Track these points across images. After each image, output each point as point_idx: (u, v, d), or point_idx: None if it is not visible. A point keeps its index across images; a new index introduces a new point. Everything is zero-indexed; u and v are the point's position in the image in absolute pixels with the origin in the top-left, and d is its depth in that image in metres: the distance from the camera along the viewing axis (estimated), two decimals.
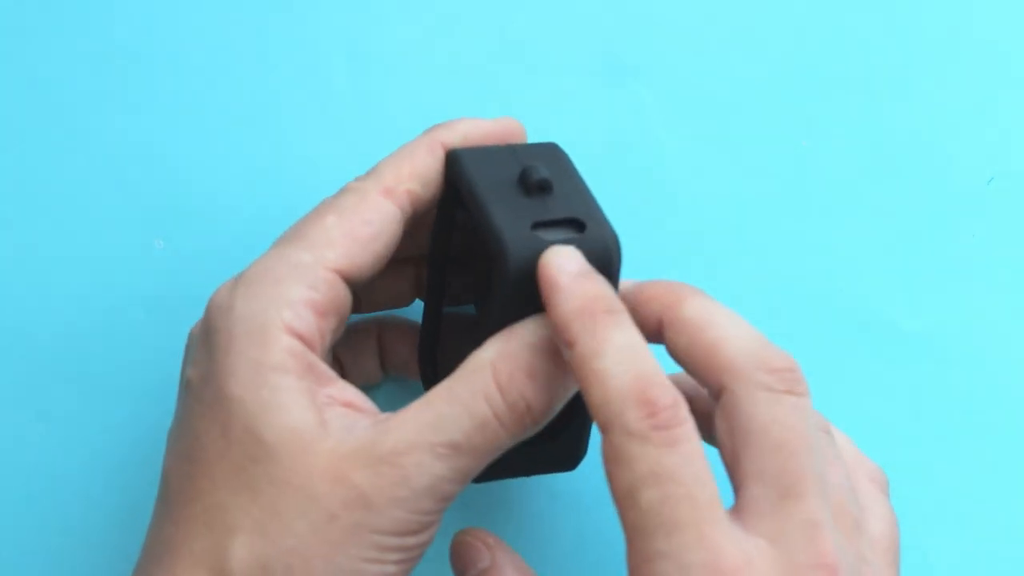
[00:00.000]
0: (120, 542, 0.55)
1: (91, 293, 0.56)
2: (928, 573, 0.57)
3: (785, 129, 0.61)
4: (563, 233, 0.44)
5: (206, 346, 0.45)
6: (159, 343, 0.56)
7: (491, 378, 0.43)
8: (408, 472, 0.42)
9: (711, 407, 0.44)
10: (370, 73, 0.60)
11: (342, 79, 0.59)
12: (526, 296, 0.44)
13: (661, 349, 0.45)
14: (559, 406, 0.44)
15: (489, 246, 0.44)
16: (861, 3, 0.62)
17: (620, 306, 0.43)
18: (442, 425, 0.42)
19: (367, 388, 0.56)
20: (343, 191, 0.48)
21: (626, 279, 0.46)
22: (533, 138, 0.51)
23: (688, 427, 0.41)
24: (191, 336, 0.48)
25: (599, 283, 0.43)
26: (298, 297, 0.44)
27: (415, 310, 0.56)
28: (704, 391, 0.45)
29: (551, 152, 0.48)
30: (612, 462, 0.41)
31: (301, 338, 0.44)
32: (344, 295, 0.46)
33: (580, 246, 0.44)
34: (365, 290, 0.48)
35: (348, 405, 0.44)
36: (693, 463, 0.40)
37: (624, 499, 0.41)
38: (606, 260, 0.44)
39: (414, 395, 0.53)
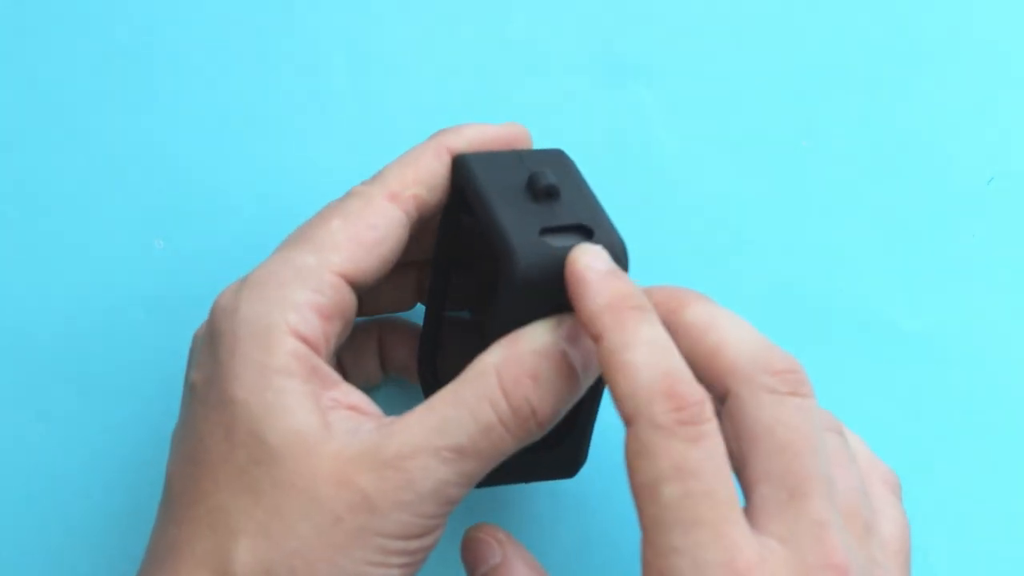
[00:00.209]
0: (121, 542, 0.55)
1: (91, 293, 0.56)
2: (928, 573, 0.57)
3: (785, 129, 0.61)
4: (571, 239, 0.44)
5: (210, 349, 0.45)
6: (159, 343, 0.56)
7: (496, 382, 0.43)
8: (413, 476, 0.42)
9: (717, 410, 0.44)
10: (370, 73, 0.60)
11: (342, 79, 0.59)
12: (532, 301, 0.44)
13: None
14: (564, 411, 0.44)
15: (496, 251, 0.44)
16: (861, 3, 0.62)
17: (648, 303, 0.43)
18: (447, 429, 0.42)
19: (367, 389, 0.56)
20: (349, 195, 0.48)
21: None
22: (534, 139, 0.51)
23: (713, 425, 0.41)
24: (195, 338, 0.48)
25: (627, 281, 0.43)
26: (303, 300, 0.44)
27: (416, 312, 0.56)
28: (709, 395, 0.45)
29: (557, 158, 0.48)
30: (635, 455, 0.41)
31: (306, 341, 0.44)
32: (349, 299, 0.46)
33: None
34: (369, 294, 0.48)
35: (352, 408, 0.44)
36: (716, 460, 0.40)
37: (645, 492, 0.41)
38: None
39: (414, 397, 0.54)
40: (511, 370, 0.43)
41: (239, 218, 0.57)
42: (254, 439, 0.43)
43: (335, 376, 0.45)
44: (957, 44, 0.63)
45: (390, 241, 0.47)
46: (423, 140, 0.50)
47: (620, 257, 0.45)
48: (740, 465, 0.42)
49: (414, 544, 0.43)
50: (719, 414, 0.43)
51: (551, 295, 0.44)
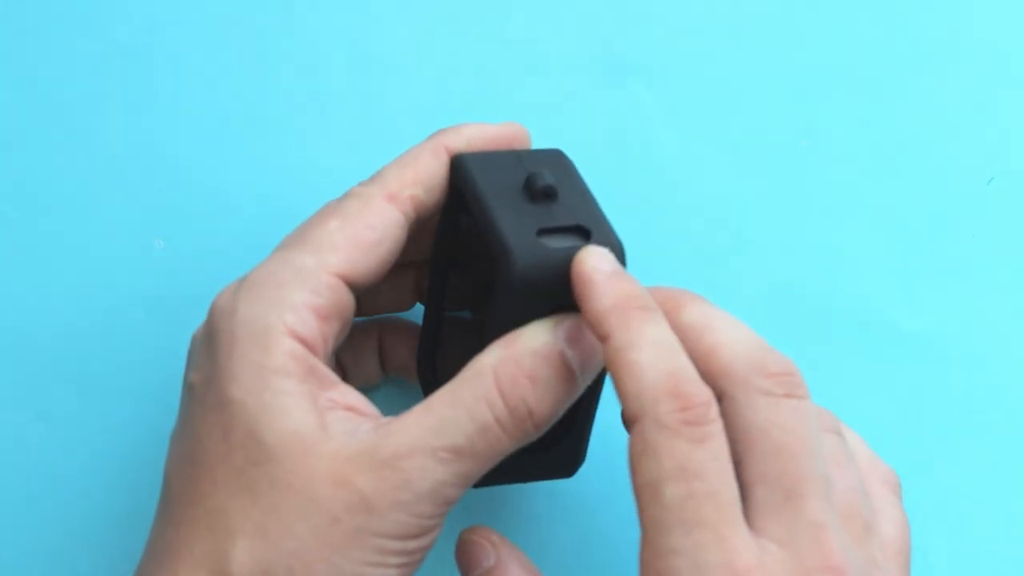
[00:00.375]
0: (121, 543, 0.55)
1: (91, 293, 0.56)
2: (928, 573, 0.57)
3: (785, 129, 0.61)
4: (568, 240, 0.44)
5: (208, 349, 0.45)
6: (159, 343, 0.56)
7: (493, 383, 0.43)
8: (410, 476, 0.42)
9: None
10: (370, 73, 0.60)
11: (342, 79, 0.59)
12: (529, 302, 0.44)
13: None
14: (560, 412, 0.44)
15: (494, 251, 0.44)
16: (861, 3, 0.62)
17: (654, 304, 0.43)
18: (444, 429, 0.42)
19: (367, 389, 0.56)
20: (347, 196, 0.48)
21: None
22: (534, 139, 0.51)
23: (718, 426, 0.41)
24: (194, 339, 0.48)
25: (633, 282, 0.43)
26: (301, 301, 0.45)
27: (416, 312, 0.56)
28: None
29: (556, 158, 0.48)
30: (639, 454, 0.41)
31: (303, 342, 0.44)
32: (347, 300, 0.46)
33: None
34: (367, 294, 0.48)
35: (350, 409, 0.44)
36: (719, 462, 0.40)
37: (647, 492, 0.41)
38: None
39: (414, 397, 0.54)
40: (508, 370, 0.43)
41: (239, 218, 0.57)
42: (252, 440, 0.43)
43: (333, 377, 0.45)
44: (957, 44, 0.62)
45: (388, 242, 0.47)
46: (423, 140, 0.49)
47: (618, 258, 0.45)
48: (736, 467, 0.42)
49: (412, 544, 0.43)
50: None
51: (548, 296, 0.44)
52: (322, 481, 0.42)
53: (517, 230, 0.44)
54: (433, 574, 0.50)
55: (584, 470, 0.50)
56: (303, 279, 0.45)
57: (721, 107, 0.61)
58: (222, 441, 0.43)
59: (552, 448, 0.49)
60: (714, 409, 0.41)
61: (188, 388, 0.46)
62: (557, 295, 0.44)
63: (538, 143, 0.50)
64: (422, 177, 0.48)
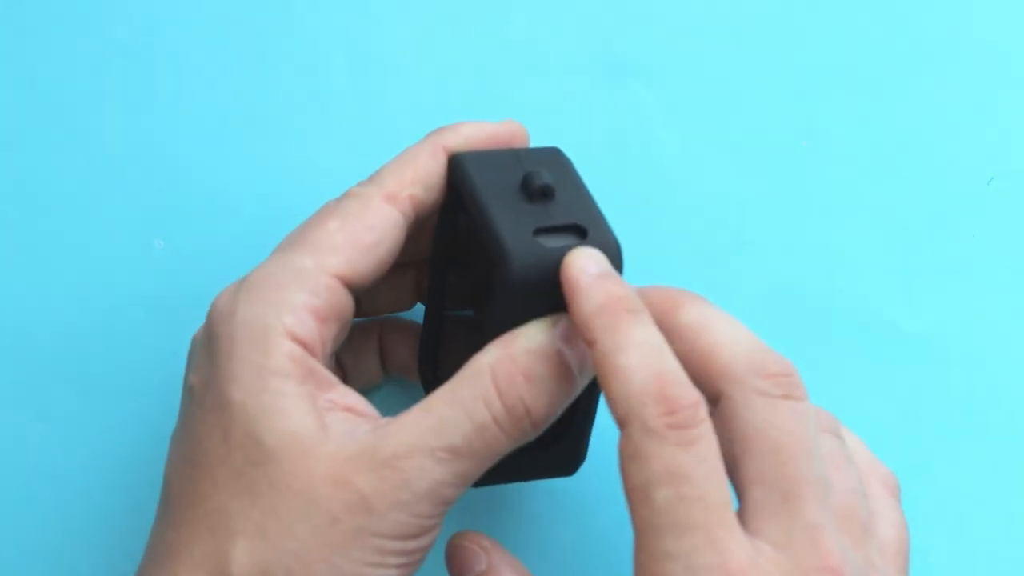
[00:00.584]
0: (121, 543, 0.55)
1: (91, 293, 0.56)
2: (928, 573, 0.57)
3: (785, 129, 0.61)
4: (565, 239, 0.44)
5: (208, 351, 0.45)
6: (159, 343, 0.56)
7: (490, 382, 0.43)
8: (409, 476, 0.42)
9: (710, 412, 0.44)
10: (370, 73, 0.60)
11: (342, 79, 0.59)
12: (527, 301, 0.44)
13: None
14: (558, 411, 0.44)
15: (491, 251, 0.44)
16: (861, 3, 0.62)
17: (641, 306, 0.43)
18: (442, 429, 0.43)
19: (368, 389, 0.56)
20: (346, 196, 0.48)
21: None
22: (533, 138, 0.51)
23: (706, 427, 0.41)
24: (194, 341, 0.48)
25: (620, 284, 0.43)
26: (300, 303, 0.45)
27: (416, 311, 0.56)
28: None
29: (553, 157, 0.48)
30: (628, 458, 0.41)
31: (302, 343, 0.44)
32: (346, 301, 0.46)
33: None
34: (367, 294, 0.48)
35: (349, 409, 0.44)
36: (709, 464, 0.40)
37: (637, 496, 0.41)
38: None
39: (414, 396, 0.53)
40: (506, 370, 0.43)
41: (239, 218, 0.57)
42: (251, 441, 0.43)
43: (332, 378, 0.45)
44: (957, 44, 0.62)
45: (387, 243, 0.47)
46: (420, 139, 0.50)
47: (615, 257, 0.45)
48: (733, 468, 0.42)
49: (411, 544, 0.43)
50: (712, 416, 0.43)
51: (546, 295, 0.44)
52: (321, 482, 0.42)
53: (514, 230, 0.44)
54: (433, 574, 0.50)
55: (584, 469, 0.50)
56: (302, 281, 0.45)
57: (721, 107, 0.61)
58: (222, 442, 0.43)
59: (552, 447, 0.49)
60: (702, 411, 0.41)
61: (188, 390, 0.46)
62: (554, 294, 0.44)
63: (538, 143, 0.50)
64: (421, 177, 0.48)
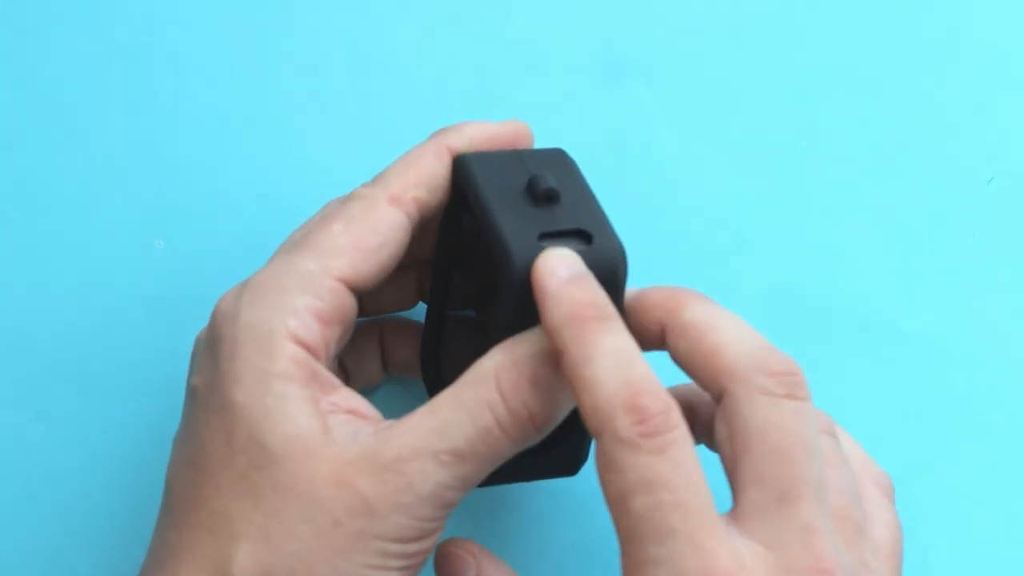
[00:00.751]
0: (121, 543, 0.55)
1: (91, 293, 0.56)
2: (928, 573, 0.57)
3: (785, 129, 0.61)
4: (570, 244, 0.44)
5: (211, 353, 0.45)
6: (159, 343, 0.56)
7: (494, 386, 0.43)
8: (412, 479, 0.42)
9: (710, 412, 0.44)
10: (370, 73, 0.59)
11: (342, 79, 0.59)
12: (531, 306, 0.44)
13: (665, 355, 0.45)
14: (562, 415, 0.44)
15: (495, 255, 0.44)
16: (861, 3, 0.62)
17: (611, 311, 0.42)
18: (446, 432, 0.42)
19: (369, 388, 0.56)
20: (350, 198, 0.48)
21: (628, 286, 0.46)
22: (533, 138, 0.51)
23: (679, 432, 0.40)
24: (197, 342, 0.48)
25: (590, 288, 0.43)
26: (303, 306, 0.45)
27: (416, 310, 0.56)
28: (708, 396, 0.45)
29: (558, 159, 0.48)
30: (604, 469, 0.41)
31: (306, 347, 0.44)
32: (349, 304, 0.46)
33: (586, 258, 0.43)
34: (369, 295, 0.48)
35: (352, 412, 0.44)
36: (684, 469, 0.40)
37: (616, 505, 0.41)
38: (612, 273, 0.44)
39: (415, 396, 0.54)
40: (509, 374, 0.43)
41: (239, 218, 0.57)
42: (254, 444, 0.43)
43: (334, 380, 0.45)
44: (957, 44, 0.62)
45: (391, 245, 0.47)
46: (423, 140, 0.49)
47: (619, 262, 0.45)
48: (731, 466, 0.42)
49: (412, 547, 0.43)
50: (707, 415, 0.43)
51: None
52: (324, 484, 0.42)
53: (519, 234, 0.44)
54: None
55: (586, 469, 0.50)
56: (306, 284, 0.45)
57: (721, 107, 0.61)
58: (225, 445, 0.43)
59: (555, 448, 0.49)
60: (674, 415, 0.40)
61: (191, 391, 0.46)
62: None
63: (538, 143, 0.50)
64: (425, 178, 0.48)
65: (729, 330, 0.44)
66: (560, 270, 0.43)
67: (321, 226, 0.47)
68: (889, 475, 0.48)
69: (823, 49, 0.62)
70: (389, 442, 0.43)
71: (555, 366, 0.43)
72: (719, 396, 0.43)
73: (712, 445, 0.48)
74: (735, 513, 0.42)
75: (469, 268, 0.50)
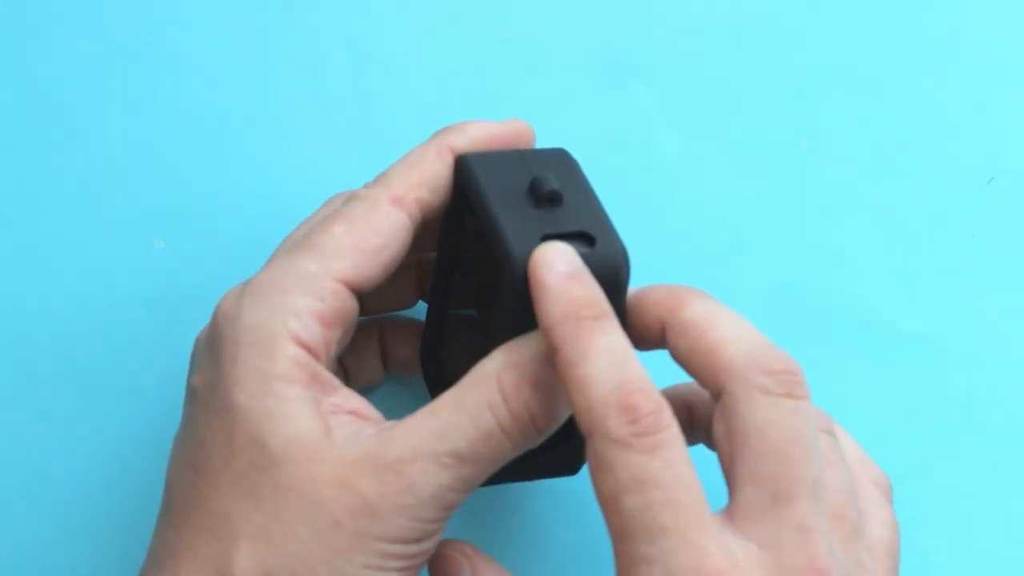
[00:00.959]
0: (121, 543, 0.55)
1: (91, 293, 0.56)
2: (928, 573, 0.57)
3: (785, 129, 0.61)
4: (573, 247, 0.44)
5: (212, 354, 0.45)
6: (159, 343, 0.56)
7: (496, 388, 0.43)
8: (413, 480, 0.42)
9: (709, 411, 0.44)
10: (370, 73, 0.59)
11: (342, 79, 0.59)
12: (532, 307, 0.44)
13: (665, 354, 0.45)
14: (564, 417, 0.44)
15: (498, 257, 0.44)
16: (861, 3, 0.62)
17: (606, 309, 0.42)
18: (447, 434, 0.42)
19: (369, 387, 0.56)
20: (352, 198, 0.48)
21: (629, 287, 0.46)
22: (535, 138, 0.51)
23: (671, 432, 0.40)
24: (197, 342, 0.48)
25: (586, 285, 0.43)
26: (304, 307, 0.44)
27: (417, 309, 0.56)
28: (707, 395, 0.45)
29: (560, 159, 0.48)
30: (596, 468, 0.41)
31: (307, 348, 0.44)
32: (350, 305, 0.46)
33: (588, 261, 0.43)
34: (369, 295, 0.48)
35: (353, 413, 0.44)
36: (676, 468, 0.40)
37: (608, 505, 0.41)
38: (615, 276, 0.44)
39: (415, 395, 0.54)
40: (511, 376, 0.43)
41: (239, 218, 0.57)
42: (255, 445, 0.43)
43: (335, 382, 0.45)
44: (957, 44, 0.62)
45: (393, 246, 0.47)
46: (423, 140, 0.49)
47: (622, 265, 0.44)
48: (728, 464, 0.42)
49: (413, 548, 0.43)
50: (704, 414, 0.43)
51: None
52: (325, 485, 0.42)
53: (521, 237, 0.44)
54: None
55: (585, 469, 0.50)
56: (307, 285, 0.45)
57: (721, 107, 0.61)
58: (225, 445, 0.43)
59: (556, 449, 0.49)
60: (666, 415, 0.41)
61: (191, 392, 0.46)
62: None
63: (538, 143, 0.50)
64: (427, 179, 0.48)
65: (729, 328, 0.44)
66: (558, 265, 0.43)
67: (322, 227, 0.47)
68: (887, 475, 0.48)
69: (823, 49, 0.62)
70: (390, 443, 0.43)
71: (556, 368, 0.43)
72: (718, 394, 0.43)
73: (711, 444, 0.48)
74: (730, 512, 0.42)
75: (470, 267, 0.50)
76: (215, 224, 0.57)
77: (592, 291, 0.43)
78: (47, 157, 0.57)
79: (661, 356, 0.45)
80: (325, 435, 0.43)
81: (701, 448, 0.48)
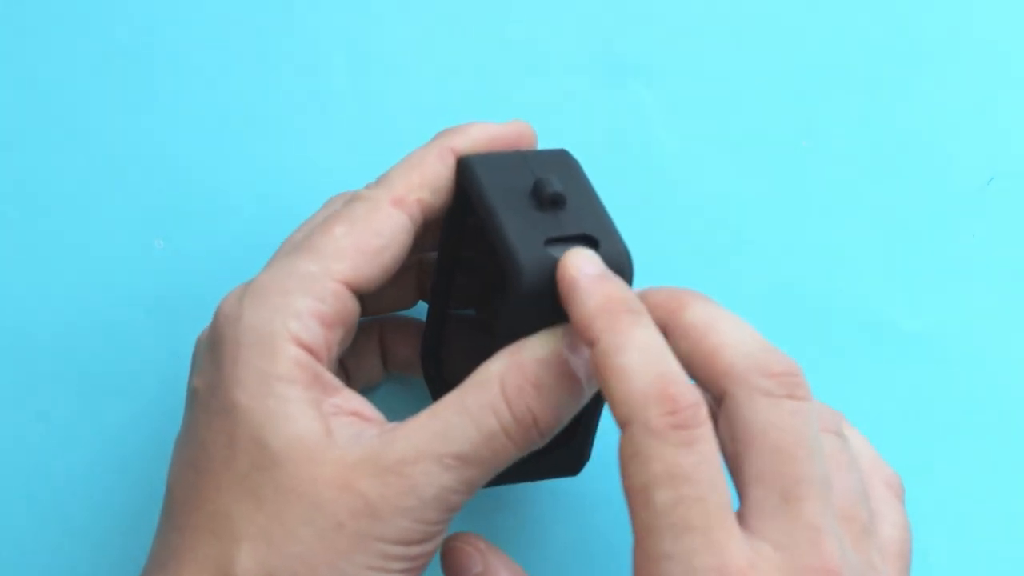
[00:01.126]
0: (121, 543, 0.55)
1: (91, 293, 0.56)
2: (928, 573, 0.57)
3: (785, 129, 0.61)
4: None
5: (213, 355, 0.45)
6: (159, 343, 0.56)
7: (499, 391, 0.43)
8: (415, 482, 0.42)
9: (715, 412, 0.44)
10: (370, 73, 0.59)
11: (342, 79, 0.59)
12: (536, 311, 0.44)
13: None
14: (566, 419, 0.44)
15: (501, 260, 0.44)
16: (861, 3, 0.62)
17: (641, 306, 0.43)
18: (450, 436, 0.43)
19: (369, 388, 0.56)
20: (353, 199, 0.48)
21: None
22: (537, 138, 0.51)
23: (707, 429, 0.41)
24: (198, 343, 0.48)
25: (619, 285, 0.43)
26: (305, 309, 0.45)
27: (417, 309, 0.56)
28: (709, 398, 0.45)
29: (562, 160, 0.48)
30: (628, 459, 0.41)
31: (308, 349, 0.44)
32: (351, 306, 0.46)
33: None
34: (370, 295, 0.48)
35: (354, 414, 0.44)
36: (709, 465, 0.40)
37: (637, 497, 0.40)
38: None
39: (416, 395, 0.54)
40: (514, 379, 0.43)
41: (239, 218, 0.57)
42: (256, 445, 0.43)
43: (336, 382, 0.45)
44: (957, 44, 0.62)
45: (394, 248, 0.47)
46: (423, 140, 0.49)
47: (626, 267, 0.45)
48: (735, 467, 0.42)
49: (415, 550, 0.43)
50: (715, 415, 0.43)
51: (556, 306, 0.44)
52: (327, 486, 0.42)
53: (525, 240, 0.44)
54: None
55: (587, 469, 0.50)
56: (308, 286, 0.45)
57: (721, 107, 0.61)
58: (227, 446, 0.43)
59: (558, 450, 0.49)
60: (703, 411, 0.41)
61: (192, 393, 0.46)
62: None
63: (539, 143, 0.50)
64: (429, 180, 0.48)
65: (730, 331, 0.44)
66: (587, 268, 0.43)
67: (323, 228, 0.47)
68: (899, 475, 0.48)
69: (823, 49, 0.62)
70: (392, 445, 0.43)
71: (560, 371, 0.44)
72: (720, 397, 0.43)
73: None
74: (741, 513, 0.42)
75: (472, 266, 0.50)
76: (215, 224, 0.57)
77: (625, 289, 0.43)
78: (47, 157, 0.57)
79: None
80: (326, 436, 0.43)
81: None
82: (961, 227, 0.61)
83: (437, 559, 0.47)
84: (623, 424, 0.41)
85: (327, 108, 0.59)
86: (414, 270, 0.54)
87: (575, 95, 0.60)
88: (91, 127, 0.58)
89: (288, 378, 0.43)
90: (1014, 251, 0.61)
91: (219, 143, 0.58)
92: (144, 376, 0.56)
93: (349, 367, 0.54)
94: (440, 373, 0.52)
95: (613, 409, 0.41)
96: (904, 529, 0.46)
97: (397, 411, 0.45)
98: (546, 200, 0.45)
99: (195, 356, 0.48)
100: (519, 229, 0.44)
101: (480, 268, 0.49)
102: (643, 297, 0.45)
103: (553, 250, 0.44)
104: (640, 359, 0.41)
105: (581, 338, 0.43)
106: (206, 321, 0.47)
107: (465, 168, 0.47)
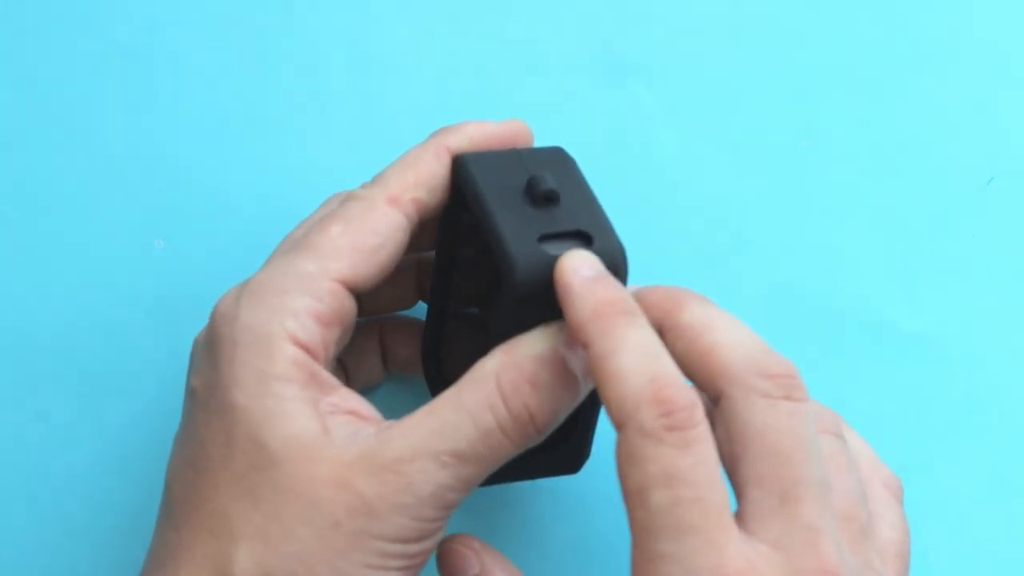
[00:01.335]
0: (121, 543, 0.55)
1: (91, 293, 0.56)
2: (927, 573, 0.57)
3: (785, 129, 0.61)
4: (570, 246, 0.44)
5: (210, 355, 0.45)
6: (159, 343, 0.56)
7: (495, 388, 0.43)
8: (412, 480, 0.42)
9: (711, 413, 0.44)
10: (370, 73, 0.60)
11: (342, 79, 0.59)
12: (532, 308, 0.44)
13: None
14: (563, 416, 0.44)
15: (496, 257, 0.44)
16: (861, 3, 0.62)
17: (636, 308, 0.43)
18: (447, 433, 0.43)
19: (369, 387, 0.56)
20: (349, 198, 0.48)
21: (627, 286, 0.46)
22: (533, 138, 0.51)
23: (703, 429, 0.40)
24: (196, 343, 0.48)
25: (614, 286, 0.43)
26: (302, 308, 0.45)
27: (417, 309, 0.56)
28: (706, 399, 0.45)
29: (557, 157, 0.48)
30: (625, 460, 0.41)
31: (305, 348, 0.44)
32: (348, 305, 0.46)
33: None
34: (368, 295, 0.48)
35: (352, 413, 0.44)
36: (706, 466, 0.40)
37: (634, 498, 0.40)
38: (613, 274, 0.44)
39: (416, 395, 0.54)
40: (510, 376, 0.43)
41: (239, 218, 0.57)
42: (254, 445, 0.43)
43: (334, 381, 0.45)
44: (957, 44, 0.62)
45: (390, 246, 0.47)
46: (423, 139, 0.49)
47: (620, 263, 0.45)
48: (732, 468, 0.42)
49: (413, 548, 0.43)
50: (712, 416, 0.43)
51: (551, 302, 0.44)
52: (324, 485, 0.42)
53: (519, 236, 0.44)
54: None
55: (587, 468, 0.50)
56: (305, 285, 0.45)
57: (721, 107, 0.61)
58: (224, 446, 0.43)
59: (556, 448, 0.49)
60: (699, 412, 0.41)
61: (190, 392, 0.46)
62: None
63: (538, 143, 0.50)
64: (424, 179, 0.48)
65: (726, 332, 0.44)
66: (582, 269, 0.43)
67: (320, 227, 0.47)
68: (899, 477, 0.48)
69: (823, 49, 0.62)
70: (389, 443, 0.43)
71: (556, 367, 0.44)
72: (717, 398, 0.43)
73: None
74: (739, 514, 0.42)
75: (470, 265, 0.50)
76: (215, 224, 0.57)
77: (620, 291, 0.43)
78: (47, 157, 0.57)
79: None
80: (323, 435, 0.43)
81: None
82: (961, 227, 0.61)
83: (433, 561, 0.47)
84: (618, 426, 0.41)
85: (327, 108, 0.59)
86: (413, 270, 0.54)
87: (575, 95, 0.60)
88: (91, 127, 0.58)
89: (285, 377, 0.43)
90: (1014, 251, 0.60)
91: (219, 143, 0.58)
92: (144, 376, 0.56)
93: (349, 367, 0.54)
94: (440, 372, 0.52)
95: (608, 411, 0.41)
96: (903, 530, 0.46)
97: (397, 411, 0.45)
98: (540, 197, 0.45)
99: (193, 356, 0.47)
100: (513, 226, 0.44)
101: (478, 266, 0.49)
102: (639, 296, 0.45)
103: (547, 246, 0.44)
104: (634, 361, 0.41)
105: (576, 341, 0.43)
106: (206, 321, 0.47)
107: (460, 166, 0.48)
